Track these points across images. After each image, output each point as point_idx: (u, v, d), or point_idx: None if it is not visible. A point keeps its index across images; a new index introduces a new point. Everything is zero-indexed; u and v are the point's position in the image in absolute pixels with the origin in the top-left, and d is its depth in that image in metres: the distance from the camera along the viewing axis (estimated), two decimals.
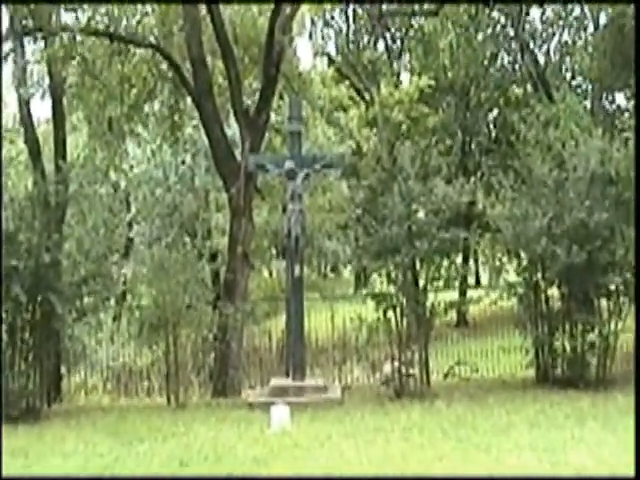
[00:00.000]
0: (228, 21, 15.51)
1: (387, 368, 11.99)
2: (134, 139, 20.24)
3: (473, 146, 26.39)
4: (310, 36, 28.78)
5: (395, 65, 29.52)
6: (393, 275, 11.47)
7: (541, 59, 25.90)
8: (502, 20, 25.30)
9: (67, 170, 12.39)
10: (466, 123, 25.62)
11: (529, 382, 11.75)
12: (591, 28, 24.50)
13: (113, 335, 17.48)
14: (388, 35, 29.07)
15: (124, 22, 15.83)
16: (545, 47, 26.06)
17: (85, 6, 15.23)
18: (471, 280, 31.76)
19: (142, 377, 15.18)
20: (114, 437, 8.78)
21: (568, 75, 26.15)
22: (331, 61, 29.29)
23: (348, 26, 29.38)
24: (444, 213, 11.34)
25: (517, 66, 26.01)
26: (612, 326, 11.36)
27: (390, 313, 11.38)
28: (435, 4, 23.00)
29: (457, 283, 15.20)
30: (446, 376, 12.76)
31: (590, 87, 25.13)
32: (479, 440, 7.89)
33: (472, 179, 13.58)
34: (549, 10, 25.38)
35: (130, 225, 24.74)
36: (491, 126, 27.80)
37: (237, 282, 13.87)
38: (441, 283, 11.85)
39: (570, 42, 25.65)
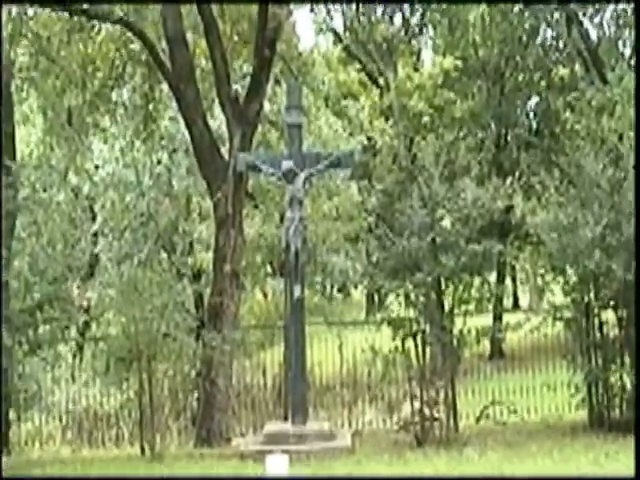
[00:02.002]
0: None
1: (406, 410, 11.98)
2: (99, 134, 20.30)
3: (509, 139, 26.42)
4: (312, 9, 28.83)
5: (415, 43, 29.65)
6: (413, 296, 11.47)
7: (592, 33, 25.95)
8: None
9: (16, 172, 12.39)
10: (501, 112, 25.67)
11: (580, 426, 11.74)
12: None
13: (74, 372, 17.46)
14: (406, 6, 29.20)
15: None
16: (597, 18, 26.12)
17: None
18: (508, 302, 31.71)
19: (110, 423, 15.16)
20: None
21: (626, 52, 26.18)
22: (338, 39, 29.44)
23: None
24: (475, 221, 11.36)
25: (562, 42, 26.10)
26: None
27: (410, 342, 11.38)
28: None
29: (491, 306, 15.21)
30: (478, 419, 12.74)
31: None
32: None
33: (508, 180, 13.64)
34: None
35: (95, 239, 24.75)
36: (531, 115, 27.86)
37: (225, 306, 13.86)
38: (471, 306, 11.86)
39: (629, 12, 25.70)
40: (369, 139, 24.47)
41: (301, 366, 11.57)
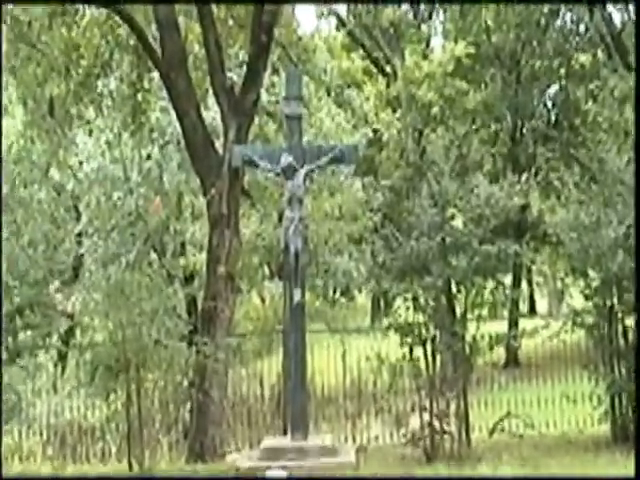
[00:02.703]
0: None
1: (415, 423, 11.98)
2: (84, 126, 20.29)
3: (526, 132, 26.43)
4: None
5: (424, 28, 29.64)
6: (422, 301, 11.48)
7: (616, 16, 25.92)
8: None
9: None
10: (516, 102, 25.66)
11: (602, 441, 11.73)
12: None
13: (56, 382, 17.46)
14: None
15: None
16: (621, 1, 26.07)
17: None
18: (524, 307, 31.75)
19: (95, 437, 15.16)
20: None
21: None
22: (341, 23, 29.41)
23: None
24: (488, 221, 11.37)
25: (584, 26, 26.09)
26: None
27: (418, 350, 11.38)
28: None
29: (506, 311, 15.21)
30: (492, 433, 12.73)
31: None
32: None
33: (524, 175, 13.62)
34: None
35: (79, 239, 24.75)
36: (549, 105, 27.87)
37: (219, 311, 13.86)
38: (485, 311, 11.88)
39: None
40: (374, 132, 24.45)
41: (301, 376, 11.56)
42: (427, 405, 11.41)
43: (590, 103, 23.23)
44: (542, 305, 36.20)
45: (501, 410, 13.61)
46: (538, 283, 35.73)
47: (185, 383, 13.52)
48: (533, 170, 23.37)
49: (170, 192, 22.37)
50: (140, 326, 11.46)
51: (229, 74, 15.28)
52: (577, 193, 12.09)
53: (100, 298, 12.65)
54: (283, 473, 9.32)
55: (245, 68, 14.85)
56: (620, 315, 11.78)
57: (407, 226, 11.50)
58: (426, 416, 11.39)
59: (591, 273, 12.20)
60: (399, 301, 12.00)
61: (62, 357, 19.87)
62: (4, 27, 15.21)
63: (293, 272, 11.51)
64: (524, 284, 29.91)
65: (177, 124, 16.21)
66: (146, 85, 18.02)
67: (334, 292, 43.40)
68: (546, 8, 25.28)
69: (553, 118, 27.27)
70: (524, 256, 13.18)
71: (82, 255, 24.10)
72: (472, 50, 24.98)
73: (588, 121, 23.79)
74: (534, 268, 28.54)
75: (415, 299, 11.55)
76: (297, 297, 11.49)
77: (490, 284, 12.21)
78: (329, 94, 23.32)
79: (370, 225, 20.57)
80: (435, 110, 25.57)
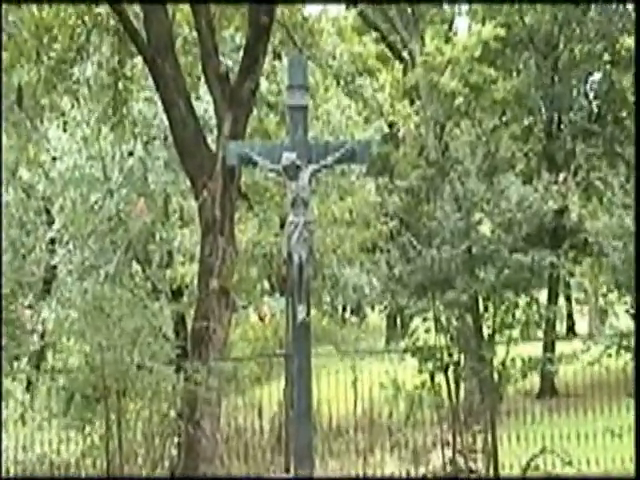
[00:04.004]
0: None
1: (436, 460, 11.99)
2: (57, 119, 20.35)
3: (563, 126, 26.47)
4: None
5: (446, 7, 29.72)
6: (444, 320, 11.48)
7: None
8: None
9: None
10: (553, 92, 25.71)
11: None
12: None
13: (25, 412, 17.50)
14: None
15: None
16: None
17: None
18: (562, 327, 31.73)
19: (69, 474, 15.17)
20: None
21: None
22: (352, 2, 29.50)
23: None
24: (520, 227, 11.38)
25: (630, 5, 26.13)
26: None
27: (440, 377, 11.38)
28: None
29: (540, 332, 15.17)
30: (525, 471, 12.72)
31: None
32: None
33: (562, 175, 13.64)
34: None
35: (52, 247, 24.82)
36: (591, 96, 27.88)
37: (211, 331, 13.87)
38: (516, 332, 11.86)
39: None
40: (390, 126, 24.53)
41: (306, 405, 11.56)
42: (450, 440, 11.41)
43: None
44: (582, 325, 36.21)
45: (535, 446, 13.60)
46: (578, 300, 35.75)
47: (172, 414, 13.53)
48: (572, 169, 23.38)
49: (156, 194, 22.43)
50: (121, 348, 11.47)
51: (223, 60, 15.32)
52: (622, 195, 12.09)
53: (75, 316, 12.67)
54: None
55: (242, 53, 14.88)
56: None
57: (427, 233, 11.52)
58: (449, 452, 11.39)
59: None
60: (418, 320, 12.02)
61: (32, 383, 19.90)
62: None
63: (297, 286, 11.52)
64: (561, 301, 29.90)
65: (164, 117, 16.25)
66: (128, 72, 18.05)
67: (344, 309, 43.60)
68: None
69: (595, 110, 27.28)
70: (561, 268, 13.15)
71: (55, 266, 24.14)
72: (502, 32, 25.03)
73: (634, 114, 23.81)
74: (573, 282, 28.52)
75: (436, 318, 11.56)
76: (301, 315, 11.49)
77: (522, 300, 12.20)
78: (338, 83, 23.37)
79: (385, 232, 20.61)
80: (459, 101, 25.66)
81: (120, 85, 17.96)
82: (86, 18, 17.09)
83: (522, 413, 15.74)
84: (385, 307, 18.60)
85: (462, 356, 11.42)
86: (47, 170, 22.87)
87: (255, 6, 14.20)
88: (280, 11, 15.20)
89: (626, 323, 13.23)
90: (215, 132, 14.72)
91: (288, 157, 11.57)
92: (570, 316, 34.51)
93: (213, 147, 14.35)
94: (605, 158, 24.70)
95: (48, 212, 25.32)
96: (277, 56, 19.19)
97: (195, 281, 15.11)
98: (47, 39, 16.94)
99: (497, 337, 11.55)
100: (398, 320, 35.27)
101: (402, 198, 11.88)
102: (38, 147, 19.42)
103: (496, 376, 11.45)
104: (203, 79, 15.28)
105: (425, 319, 11.80)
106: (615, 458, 13.99)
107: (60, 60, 17.20)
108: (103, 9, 16.60)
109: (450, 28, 28.96)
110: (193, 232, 19.86)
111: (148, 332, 11.90)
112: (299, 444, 11.49)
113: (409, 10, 27.58)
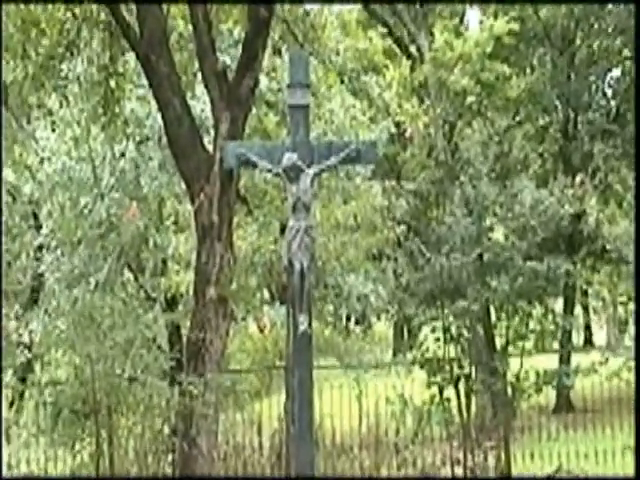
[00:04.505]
0: None
1: (446, 477, 11.98)
2: (45, 118, 20.36)
3: (580, 126, 26.45)
4: None
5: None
6: (454, 330, 11.49)
7: None
8: None
9: None
10: (569, 90, 25.71)
11: None
12: None
13: (10, 429, 17.49)
14: None
15: None
16: None
17: None
18: (578, 338, 31.70)
19: None
20: None
21: None
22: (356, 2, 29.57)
23: None
24: (535, 232, 11.40)
25: None
26: None
27: (450, 391, 11.37)
28: None
29: (556, 343, 15.18)
30: None
31: None
32: None
33: (579, 178, 13.64)
34: None
35: (39, 254, 24.82)
36: (609, 94, 27.86)
37: (208, 343, 13.86)
38: (530, 343, 11.86)
39: None
40: (397, 126, 24.51)
41: (307, 421, 11.55)
42: (461, 458, 11.40)
43: None
44: (600, 336, 36.18)
45: (550, 464, 13.60)
46: (595, 309, 35.73)
47: (166, 430, 13.52)
48: (589, 171, 23.37)
49: (149, 197, 22.41)
50: (112, 360, 11.47)
51: (221, 56, 15.33)
52: None
53: (64, 326, 12.67)
54: None
55: (240, 48, 14.89)
56: None
57: (436, 239, 11.53)
58: (459, 471, 11.38)
59: None
60: (426, 331, 12.02)
61: (18, 397, 19.88)
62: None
63: (298, 295, 11.51)
64: (578, 310, 29.87)
65: (158, 116, 16.27)
66: (120, 69, 18.06)
67: (348, 320, 43.51)
68: None
69: (614, 109, 27.25)
70: (578, 276, 13.18)
71: (42, 274, 24.15)
72: (516, 27, 25.02)
73: None
74: (590, 291, 28.51)
75: (446, 328, 11.56)
76: (303, 326, 11.49)
77: (537, 310, 12.21)
78: (342, 80, 23.37)
79: (392, 238, 20.59)
80: (470, 99, 25.64)
81: (112, 83, 17.95)
82: (76, 11, 17.09)
83: (537, 429, 15.72)
84: (392, 317, 18.64)
85: (473, 369, 11.43)
86: (34, 172, 22.87)
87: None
88: (280, 4, 15.20)
89: None
90: (212, 132, 14.71)
91: (289, 158, 11.59)
92: (587, 327, 34.53)
93: (210, 148, 14.36)
94: (624, 159, 24.68)
95: (35, 216, 25.33)
96: (277, 52, 19.20)
97: (191, 290, 15.10)
98: (34, 34, 16.95)
99: (510, 349, 11.57)
100: (405, 331, 35.26)
101: (410, 202, 11.88)
102: (25, 148, 19.43)
103: (509, 390, 11.46)
104: (199, 76, 15.29)
105: (434, 329, 11.83)
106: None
107: (48, 56, 17.20)
108: (94, 2, 16.61)
109: (461, 22, 28.97)
110: (189, 238, 19.85)
111: (141, 343, 11.90)
112: (300, 462, 11.48)
113: (418, 3, 27.62)
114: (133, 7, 14.90)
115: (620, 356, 12.24)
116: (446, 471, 11.99)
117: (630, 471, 14.22)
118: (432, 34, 26.57)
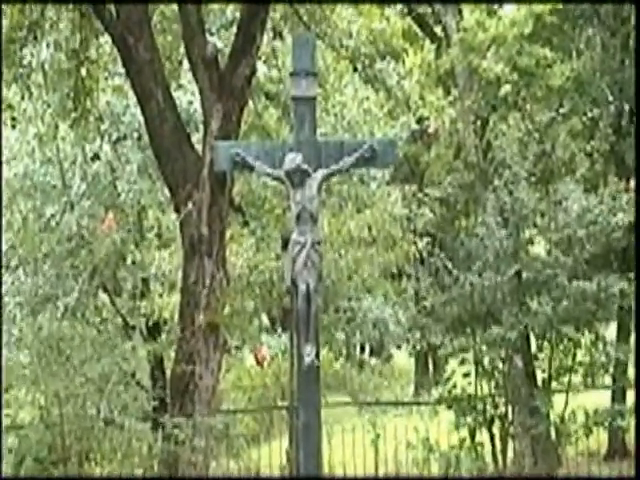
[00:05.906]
0: None
1: None
2: (5, 112, 20.42)
3: (635, 120, 26.44)
4: None
5: None
6: (487, 362, 11.47)
7: None
8: None
9: None
10: (622, 78, 25.71)
11: None
12: None
13: None
14: None
15: None
16: None
17: None
18: (635, 371, 31.62)
19: None
20: None
21: None
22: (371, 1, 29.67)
23: None
24: (582, 246, 11.38)
25: None
26: None
27: (483, 434, 11.36)
28: None
29: (608, 377, 15.15)
30: None
31: None
32: None
33: (633, 182, 13.61)
34: None
35: None
36: None
37: (197, 378, 13.88)
38: (577, 377, 11.85)
39: None
40: (419, 121, 24.55)
41: (314, 470, 11.55)
42: None
43: None
44: None
45: None
46: None
47: None
48: None
49: (127, 206, 22.45)
50: (84, 400, 11.47)
51: (211, 39, 15.35)
52: None
53: (27, 359, 12.67)
54: None
55: (235, 31, 14.92)
56: None
57: (466, 254, 11.51)
58: None
59: None
60: (454, 363, 12.01)
61: None
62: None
63: (304, 321, 11.51)
64: (634, 338, 29.81)
65: (137, 110, 16.29)
66: (93, 55, 18.12)
67: (362, 350, 43.54)
68: None
69: None
70: (634, 297, 13.14)
71: (1, 297, 24.17)
72: (559, 4, 25.05)
73: None
74: None
75: (477, 360, 11.55)
76: (309, 357, 11.49)
77: (586, 338, 12.19)
78: (355, 68, 23.42)
79: (413, 253, 20.57)
80: (506, 89, 25.64)
81: (83, 71, 18.00)
82: None
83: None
84: (414, 347, 18.63)
85: (510, 408, 11.40)
86: None
87: None
88: None
89: None
90: (201, 129, 14.73)
91: (292, 160, 11.60)
92: None
93: (198, 148, 14.37)
94: None
95: None
96: (278, 35, 19.25)
97: (176, 315, 15.11)
98: None
99: (554, 384, 11.53)
100: (430, 363, 35.23)
101: (434, 211, 11.83)
102: None
103: (553, 433, 11.42)
104: (186, 63, 15.31)
105: (463, 361, 11.80)
106: None
107: (7, 40, 17.24)
108: None
109: None
110: (174, 254, 19.87)
111: (118, 379, 11.90)
112: None
113: None
114: None
115: None
116: None
117: None
118: (460, 12, 26.59)
